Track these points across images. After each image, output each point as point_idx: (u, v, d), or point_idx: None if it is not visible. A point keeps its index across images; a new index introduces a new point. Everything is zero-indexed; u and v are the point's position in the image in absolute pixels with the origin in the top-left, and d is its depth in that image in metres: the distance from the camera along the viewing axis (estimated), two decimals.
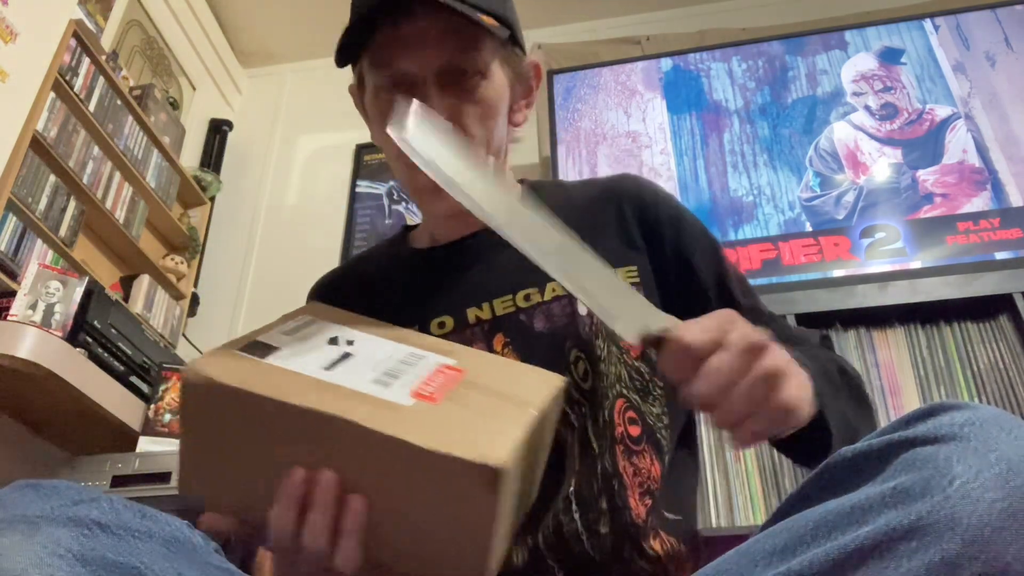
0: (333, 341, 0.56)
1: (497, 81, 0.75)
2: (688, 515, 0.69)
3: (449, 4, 0.67)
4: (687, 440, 0.76)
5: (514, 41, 0.77)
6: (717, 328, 0.50)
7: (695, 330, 0.50)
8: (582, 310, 0.73)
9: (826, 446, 0.61)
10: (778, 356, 0.51)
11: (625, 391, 0.69)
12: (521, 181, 0.87)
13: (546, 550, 0.61)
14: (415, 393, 0.49)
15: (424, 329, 0.74)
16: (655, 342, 0.51)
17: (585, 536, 0.62)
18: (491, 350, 0.72)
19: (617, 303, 0.54)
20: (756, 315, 0.78)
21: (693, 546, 0.67)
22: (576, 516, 0.63)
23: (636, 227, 0.79)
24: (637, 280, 0.76)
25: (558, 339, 0.71)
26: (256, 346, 0.52)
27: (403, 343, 0.57)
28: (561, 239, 0.56)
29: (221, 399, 0.47)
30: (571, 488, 0.64)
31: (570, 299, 0.73)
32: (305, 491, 0.47)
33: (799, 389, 0.53)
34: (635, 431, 0.68)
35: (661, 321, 0.52)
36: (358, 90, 0.80)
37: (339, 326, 0.58)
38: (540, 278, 0.74)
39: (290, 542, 0.48)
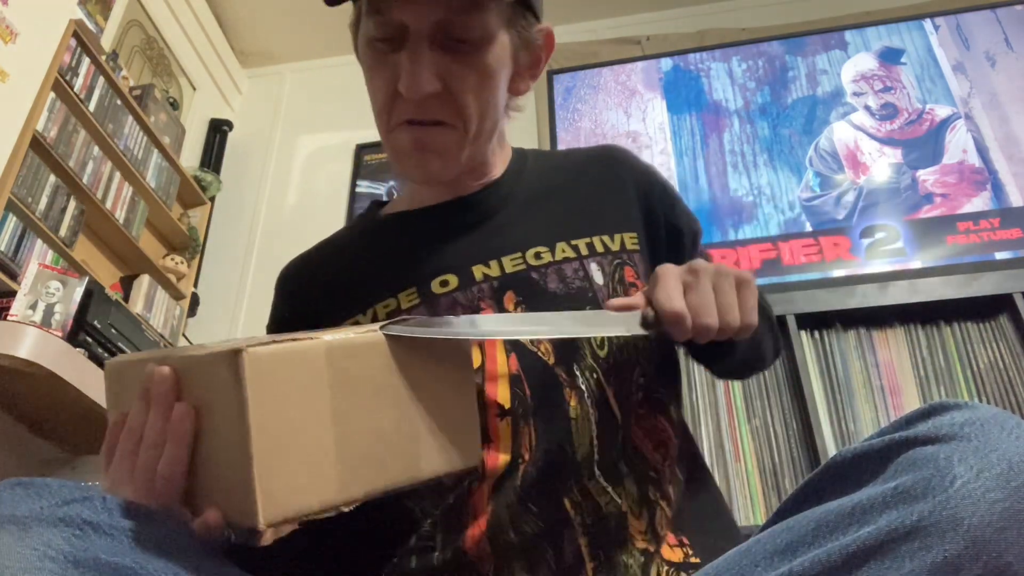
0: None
1: (499, 47, 0.70)
2: (686, 468, 0.72)
3: None
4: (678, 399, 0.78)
5: (526, 5, 0.73)
6: (676, 276, 0.59)
7: (665, 291, 0.58)
8: (598, 279, 0.72)
9: (729, 352, 0.70)
10: (730, 269, 0.61)
11: (643, 360, 0.70)
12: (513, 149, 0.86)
13: (572, 511, 0.62)
14: (245, 343, 0.53)
15: (425, 288, 0.72)
16: (654, 321, 0.58)
17: (611, 488, 0.63)
18: (501, 308, 0.70)
19: (606, 320, 0.60)
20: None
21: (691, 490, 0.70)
22: (600, 479, 0.64)
23: (633, 194, 0.79)
24: (637, 247, 0.76)
25: (576, 303, 0.70)
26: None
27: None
28: (538, 316, 0.66)
29: (130, 371, 0.58)
30: (596, 457, 0.64)
31: (581, 262, 0.72)
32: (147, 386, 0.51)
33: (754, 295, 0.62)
34: (643, 395, 0.69)
35: (637, 312, 0.59)
36: (355, 31, 0.75)
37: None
38: (548, 236, 0.74)
39: (135, 438, 0.51)
